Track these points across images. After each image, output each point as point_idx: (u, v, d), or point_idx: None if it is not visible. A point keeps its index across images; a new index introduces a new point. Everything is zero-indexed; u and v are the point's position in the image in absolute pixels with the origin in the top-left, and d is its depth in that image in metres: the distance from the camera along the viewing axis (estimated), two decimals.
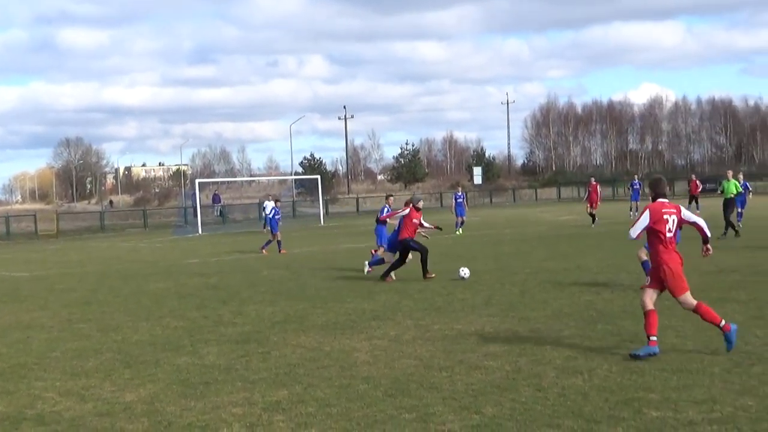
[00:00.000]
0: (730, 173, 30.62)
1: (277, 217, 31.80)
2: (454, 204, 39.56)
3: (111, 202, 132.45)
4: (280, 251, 30.59)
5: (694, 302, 10.16)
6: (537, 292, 16.24)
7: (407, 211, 20.10)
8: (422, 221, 20.45)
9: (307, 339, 12.35)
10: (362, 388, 9.21)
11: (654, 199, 10.46)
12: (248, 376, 10.08)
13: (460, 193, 40.19)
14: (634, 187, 45.88)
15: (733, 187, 29.36)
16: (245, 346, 12.07)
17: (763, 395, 8.10)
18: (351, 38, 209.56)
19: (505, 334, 11.99)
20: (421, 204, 20.51)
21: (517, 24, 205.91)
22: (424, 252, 19.59)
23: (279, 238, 31.39)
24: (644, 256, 14.85)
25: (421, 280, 19.03)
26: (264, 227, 50.32)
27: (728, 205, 29.20)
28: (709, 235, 10.64)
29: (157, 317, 15.40)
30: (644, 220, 10.20)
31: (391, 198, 25.55)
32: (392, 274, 19.71)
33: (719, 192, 30.62)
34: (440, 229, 21.91)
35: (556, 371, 9.51)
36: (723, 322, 10.00)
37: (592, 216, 37.75)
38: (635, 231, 10.26)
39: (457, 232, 37.17)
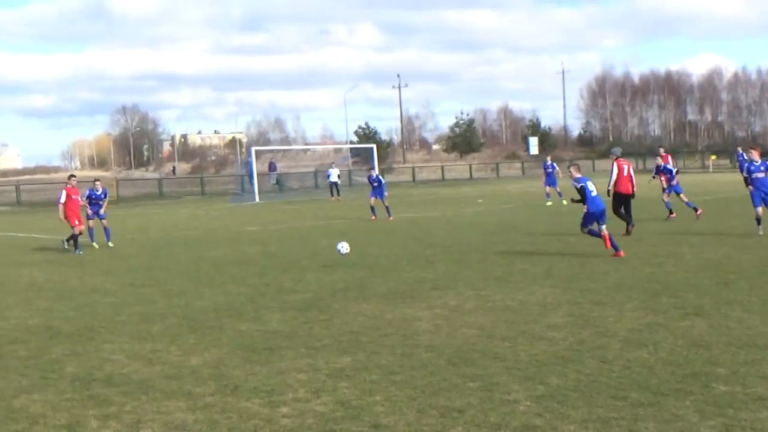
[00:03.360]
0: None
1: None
2: (544, 174, 38.13)
3: (174, 169, 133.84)
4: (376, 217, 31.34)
5: None
6: (597, 263, 16.10)
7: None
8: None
9: (368, 307, 12.39)
10: (425, 356, 9.22)
11: None
12: (311, 343, 10.14)
13: (549, 163, 38.34)
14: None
15: None
16: (307, 313, 12.15)
17: None
18: (400, 7, 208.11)
19: (567, 305, 11.92)
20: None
21: None
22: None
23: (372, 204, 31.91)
24: None
25: (480, 251, 18.99)
26: (332, 196, 50.88)
27: None
28: None
29: (219, 283, 15.56)
30: None
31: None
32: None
33: None
34: None
35: (620, 343, 9.44)
36: None
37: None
38: None
39: (548, 203, 35.82)
